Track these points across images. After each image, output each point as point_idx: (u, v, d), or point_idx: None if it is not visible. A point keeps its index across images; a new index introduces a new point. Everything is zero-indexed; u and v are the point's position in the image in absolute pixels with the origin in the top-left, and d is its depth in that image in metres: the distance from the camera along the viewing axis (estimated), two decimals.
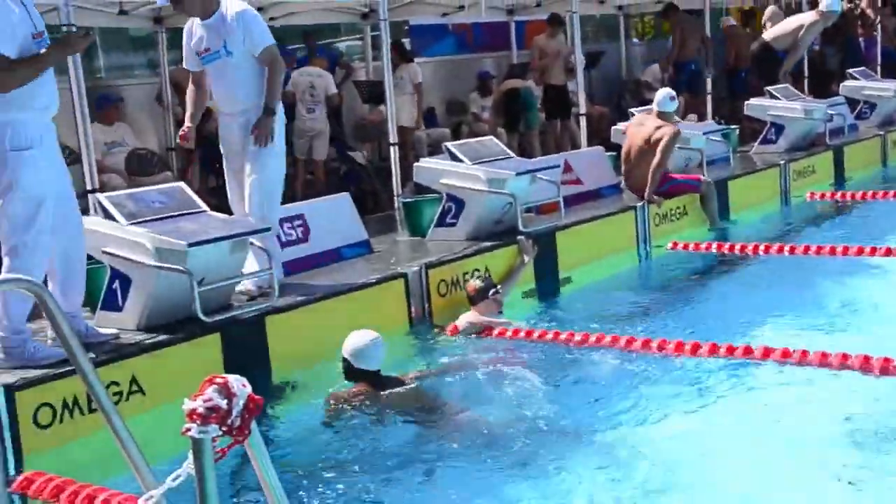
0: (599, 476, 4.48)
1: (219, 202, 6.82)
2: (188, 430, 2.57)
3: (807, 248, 8.22)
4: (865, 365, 5.42)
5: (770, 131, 11.78)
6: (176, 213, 5.81)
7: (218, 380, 2.61)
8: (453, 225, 7.68)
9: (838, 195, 10.91)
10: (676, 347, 5.91)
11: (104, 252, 5.63)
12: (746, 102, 12.16)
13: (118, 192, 6.32)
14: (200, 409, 2.57)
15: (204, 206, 6.01)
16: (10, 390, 4.66)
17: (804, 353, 5.62)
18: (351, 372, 5.37)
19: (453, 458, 4.75)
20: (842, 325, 6.44)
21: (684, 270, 8.39)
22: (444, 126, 12.92)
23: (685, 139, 9.53)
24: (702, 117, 12.81)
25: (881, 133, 12.96)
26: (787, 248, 8.36)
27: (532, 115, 12.28)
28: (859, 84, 13.77)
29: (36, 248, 4.99)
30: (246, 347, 5.70)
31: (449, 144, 8.04)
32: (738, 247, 8.55)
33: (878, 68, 15.76)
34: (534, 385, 5.62)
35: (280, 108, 6.36)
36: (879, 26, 16.38)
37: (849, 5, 15.92)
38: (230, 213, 6.42)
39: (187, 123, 6.50)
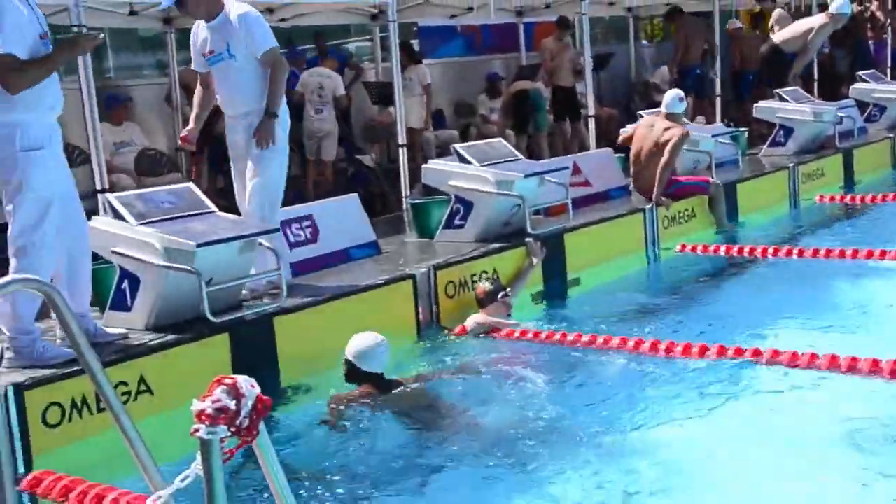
0: (605, 478, 4.47)
1: (227, 203, 6.83)
2: (197, 430, 2.58)
3: (816, 252, 8.19)
4: (874, 368, 5.41)
5: (779, 134, 11.75)
6: (185, 214, 5.82)
7: (227, 380, 2.62)
8: (461, 226, 7.67)
9: (848, 198, 10.84)
10: (684, 350, 5.90)
11: (113, 252, 5.64)
12: (755, 105, 12.13)
13: (127, 192, 6.32)
14: (209, 410, 2.57)
15: (213, 207, 6.03)
16: (19, 390, 4.67)
17: (813, 355, 5.60)
18: (354, 374, 5.36)
19: (456, 461, 4.75)
20: (851, 329, 6.42)
21: (693, 273, 8.37)
22: (452, 128, 12.90)
23: (694, 141, 9.52)
24: (710, 120, 12.79)
25: (891, 136, 12.92)
26: (795, 251, 8.34)
27: (541, 116, 12.26)
28: (869, 87, 13.73)
29: (43, 247, 5.00)
30: (254, 348, 5.71)
31: (457, 146, 8.04)
32: (746, 249, 8.52)
33: (888, 71, 15.74)
34: (540, 387, 5.62)
35: (284, 111, 6.34)
36: (889, 29, 16.36)
37: (859, 8, 15.87)
38: (239, 213, 6.43)
39: (190, 125, 6.50)
